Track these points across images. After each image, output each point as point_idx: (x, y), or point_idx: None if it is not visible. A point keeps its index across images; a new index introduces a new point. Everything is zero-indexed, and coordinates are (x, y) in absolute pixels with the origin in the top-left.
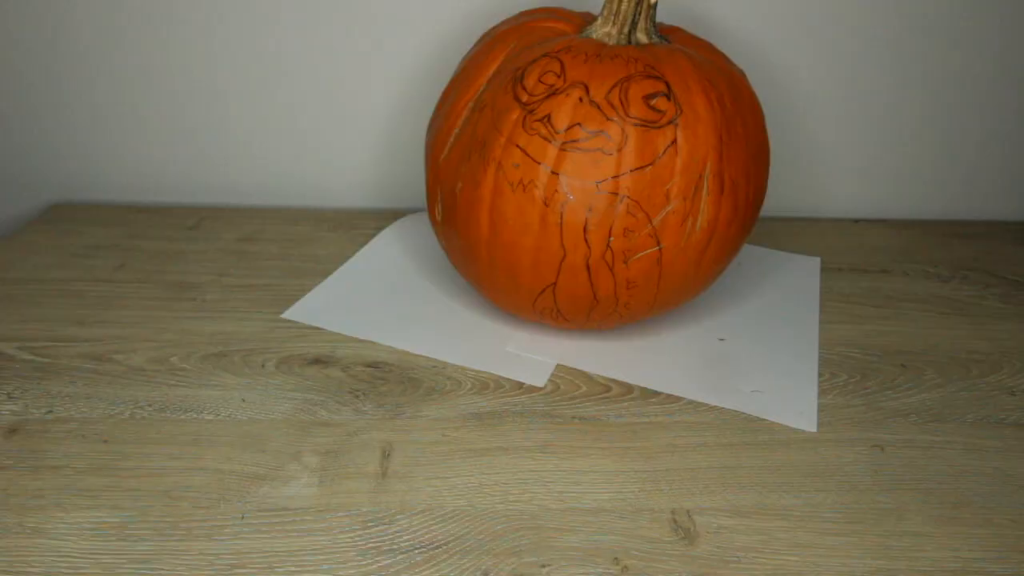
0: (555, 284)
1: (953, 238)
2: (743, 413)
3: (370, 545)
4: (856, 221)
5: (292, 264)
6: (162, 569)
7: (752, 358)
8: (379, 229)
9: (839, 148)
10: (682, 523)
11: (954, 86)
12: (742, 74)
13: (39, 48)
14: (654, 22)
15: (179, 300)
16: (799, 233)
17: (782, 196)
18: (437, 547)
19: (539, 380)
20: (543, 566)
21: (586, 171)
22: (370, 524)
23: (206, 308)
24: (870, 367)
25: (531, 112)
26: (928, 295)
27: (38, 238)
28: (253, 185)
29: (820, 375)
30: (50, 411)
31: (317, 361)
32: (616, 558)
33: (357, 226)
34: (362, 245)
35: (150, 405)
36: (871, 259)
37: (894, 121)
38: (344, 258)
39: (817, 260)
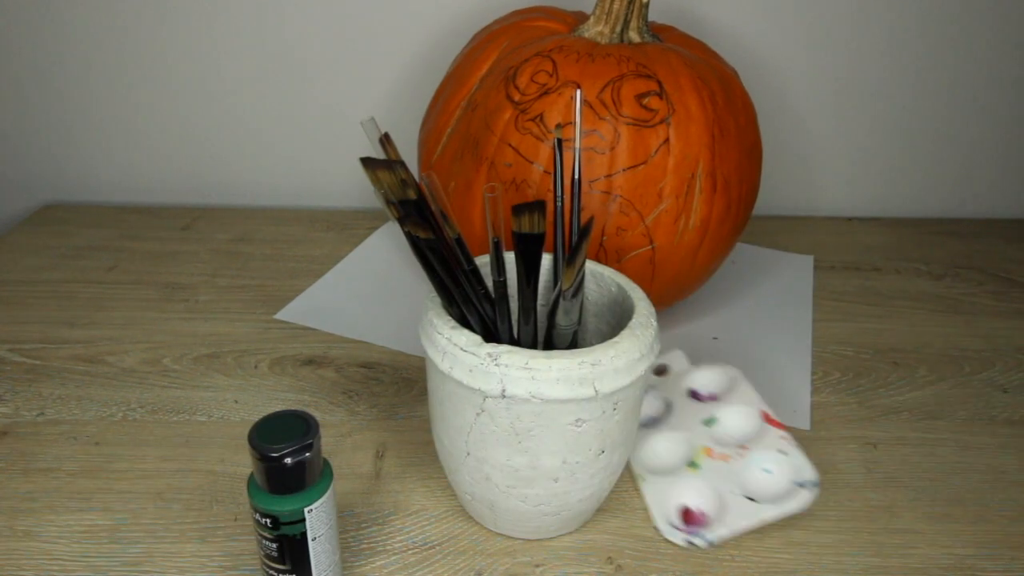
0: None
1: (946, 236)
2: None
3: (364, 546)
4: (849, 219)
5: (285, 265)
6: (154, 571)
7: (745, 356)
8: (372, 229)
9: (832, 146)
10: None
11: (947, 84)
12: (734, 73)
13: (31, 49)
14: (646, 21)
15: (171, 301)
16: (792, 231)
17: (775, 194)
18: (431, 547)
19: None
20: (537, 566)
21: None
22: (363, 525)
23: (199, 309)
24: (863, 365)
25: (523, 111)
26: (920, 293)
27: (29, 239)
28: (246, 185)
29: (813, 373)
30: (41, 413)
31: (310, 362)
32: (609, 557)
33: (350, 226)
34: (355, 245)
35: (142, 407)
36: (864, 257)
37: (887, 119)
38: (337, 258)
39: (810, 258)
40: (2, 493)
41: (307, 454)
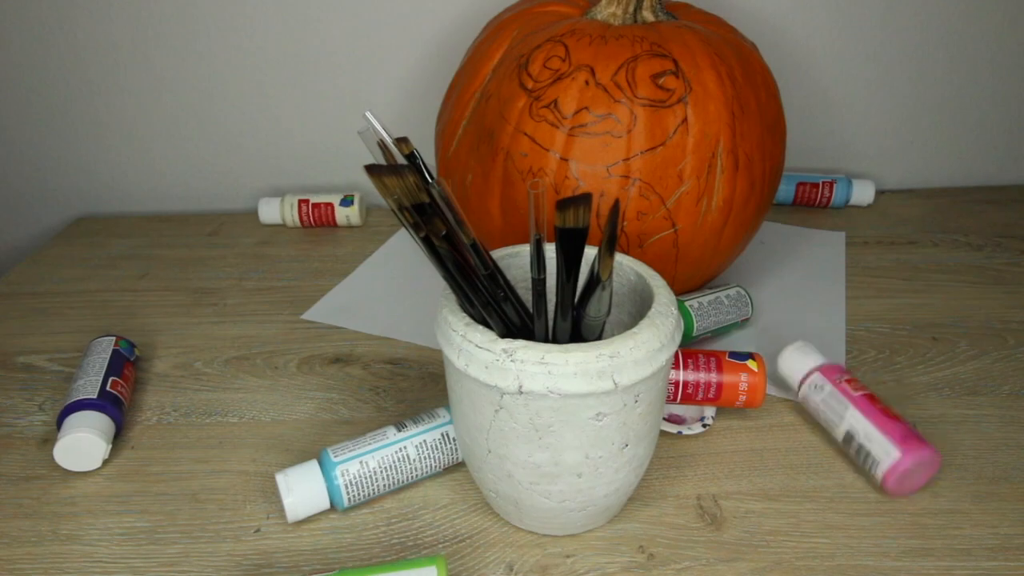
0: None
1: (985, 204)
2: (769, 395)
3: (394, 541)
4: (881, 192)
5: (310, 265)
6: (191, 571)
7: (777, 337)
8: (396, 226)
9: (861, 118)
10: (708, 508)
11: (981, 47)
12: (753, 47)
13: (60, 69)
14: None
15: (201, 306)
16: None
17: (804, 170)
18: (461, 540)
19: None
20: (567, 556)
21: (596, 155)
22: (394, 520)
23: (227, 312)
24: (899, 342)
25: (537, 99)
26: (959, 265)
27: (64, 251)
28: (269, 189)
29: (847, 352)
30: None
31: (337, 360)
32: (641, 546)
33: (374, 225)
34: (380, 244)
35: (176, 410)
36: (898, 231)
37: (919, 87)
38: (363, 257)
39: (842, 235)
40: (45, 499)
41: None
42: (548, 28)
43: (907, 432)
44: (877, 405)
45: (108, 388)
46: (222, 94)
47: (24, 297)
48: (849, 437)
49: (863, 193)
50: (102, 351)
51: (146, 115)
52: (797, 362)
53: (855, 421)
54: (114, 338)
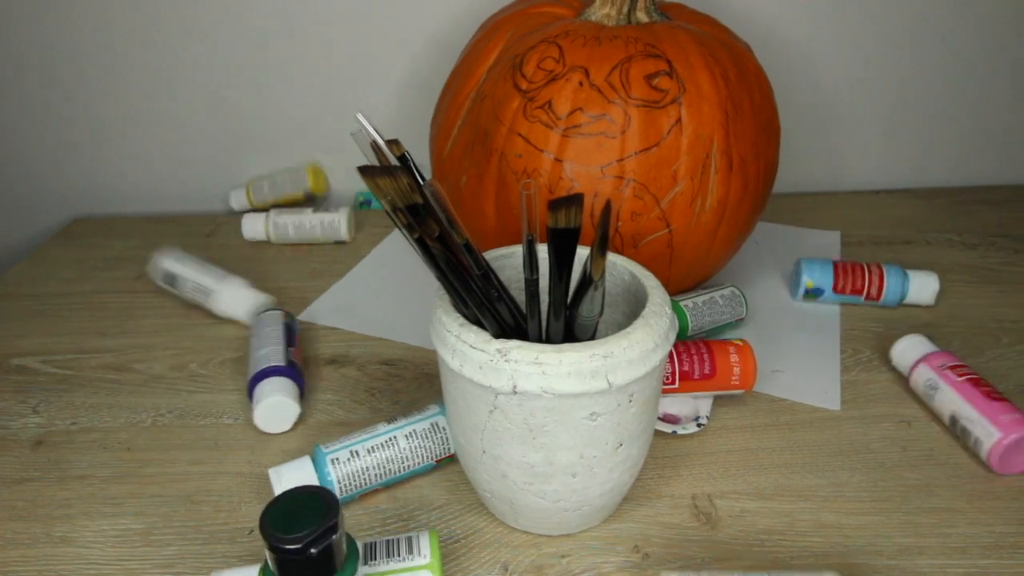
0: None
1: (980, 204)
2: (764, 394)
3: None
4: (876, 192)
5: (306, 266)
6: (186, 572)
7: (772, 337)
8: (392, 227)
9: (857, 118)
10: (703, 508)
11: (975, 48)
12: (747, 47)
13: (56, 70)
14: (654, 0)
15: (197, 308)
16: (817, 208)
17: (798, 171)
18: (456, 541)
19: None
20: (562, 556)
21: (590, 156)
22: (389, 521)
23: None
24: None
25: (531, 99)
26: (954, 264)
27: (60, 252)
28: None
29: (843, 352)
30: (74, 422)
31: (333, 361)
32: (636, 546)
33: (369, 225)
34: (375, 245)
35: (171, 412)
36: (893, 230)
37: (914, 87)
38: (357, 258)
39: (837, 234)
40: (39, 501)
41: (332, 537)
42: (542, 29)
43: (1011, 412)
44: (980, 389)
45: (291, 357)
46: (219, 95)
47: (20, 298)
48: (953, 420)
49: (922, 290)
50: (275, 323)
51: (143, 116)
52: (909, 351)
53: (956, 405)
54: (282, 312)
